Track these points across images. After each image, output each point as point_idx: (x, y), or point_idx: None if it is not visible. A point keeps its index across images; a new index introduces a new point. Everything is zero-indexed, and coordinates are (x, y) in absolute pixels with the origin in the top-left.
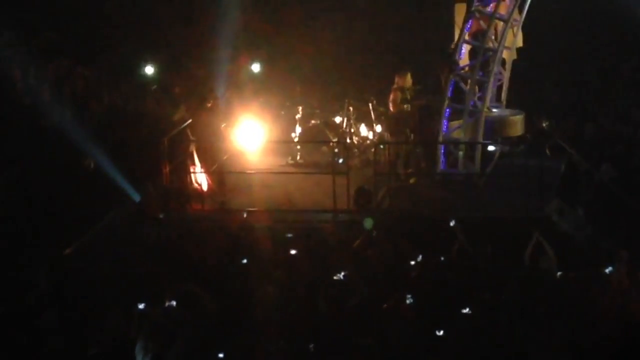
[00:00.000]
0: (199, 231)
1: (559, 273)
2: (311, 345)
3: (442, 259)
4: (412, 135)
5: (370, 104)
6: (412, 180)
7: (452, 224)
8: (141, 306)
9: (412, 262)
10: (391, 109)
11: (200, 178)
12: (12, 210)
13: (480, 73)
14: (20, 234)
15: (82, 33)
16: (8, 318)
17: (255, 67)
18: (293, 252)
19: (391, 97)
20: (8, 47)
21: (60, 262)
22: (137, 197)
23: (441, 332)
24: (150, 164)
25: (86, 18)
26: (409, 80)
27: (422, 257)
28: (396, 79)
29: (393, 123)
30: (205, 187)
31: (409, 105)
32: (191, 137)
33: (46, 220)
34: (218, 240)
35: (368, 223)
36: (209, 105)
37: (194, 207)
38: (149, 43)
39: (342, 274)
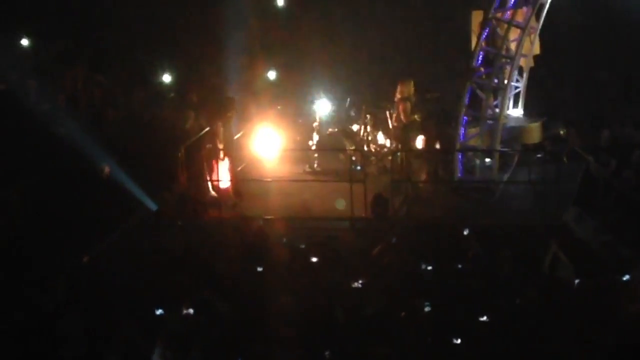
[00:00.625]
0: (216, 239)
1: (576, 281)
2: (327, 353)
3: (460, 266)
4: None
5: (387, 112)
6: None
7: (466, 232)
8: (158, 312)
9: (430, 270)
10: (402, 119)
11: (216, 186)
12: (30, 218)
13: (497, 80)
14: (38, 241)
15: (98, 41)
16: (26, 325)
17: (272, 75)
18: (314, 259)
19: (401, 107)
20: (24, 55)
21: (77, 269)
22: (154, 205)
23: (458, 341)
24: (167, 171)
25: (102, 26)
26: (409, 89)
27: (439, 265)
28: (399, 88)
29: (403, 133)
30: (221, 195)
31: (419, 115)
32: (208, 145)
33: (64, 227)
34: (235, 248)
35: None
36: (230, 115)
37: (211, 214)
38: (166, 50)
39: (360, 282)
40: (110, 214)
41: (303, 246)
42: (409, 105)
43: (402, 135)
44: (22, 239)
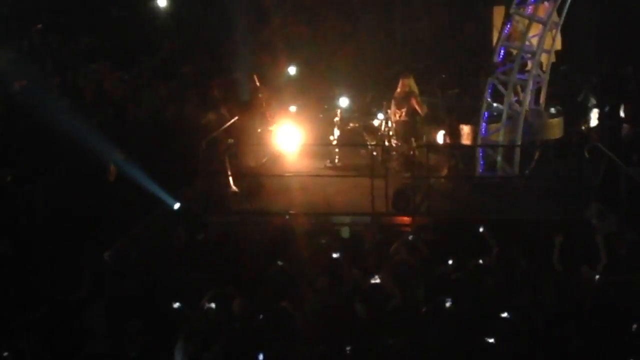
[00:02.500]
0: (238, 234)
1: (596, 277)
2: (348, 348)
3: (481, 262)
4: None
5: (388, 109)
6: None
7: (481, 230)
8: (176, 305)
9: (451, 265)
10: (420, 113)
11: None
12: (53, 214)
13: (519, 76)
14: (60, 237)
15: (121, 37)
16: (50, 320)
17: (292, 70)
18: (335, 255)
19: (414, 101)
20: (47, 52)
21: (100, 265)
22: (175, 201)
23: (492, 340)
24: (189, 167)
25: (125, 22)
26: (413, 84)
27: (460, 260)
28: (402, 83)
29: (402, 129)
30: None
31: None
32: (229, 139)
33: (86, 223)
34: (256, 243)
35: (345, 233)
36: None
37: (233, 209)
38: (189, 46)
39: (378, 278)
40: (131, 210)
41: (324, 241)
42: (417, 100)
43: (402, 131)
44: (45, 234)
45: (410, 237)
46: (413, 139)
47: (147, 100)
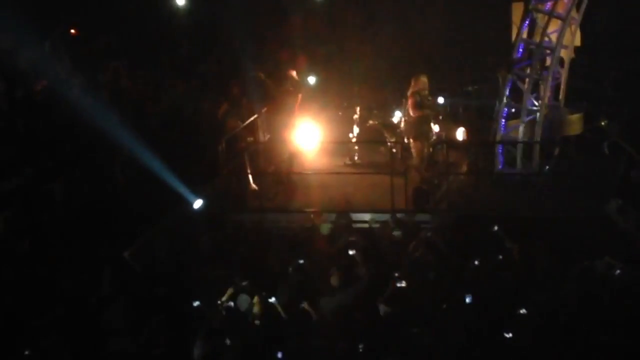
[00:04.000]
0: (258, 232)
1: (617, 271)
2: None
3: (500, 257)
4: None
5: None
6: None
7: (495, 228)
8: (196, 304)
9: (470, 262)
10: (411, 114)
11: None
12: (73, 211)
13: (538, 72)
14: (81, 234)
15: (140, 35)
16: (72, 318)
17: (313, 69)
18: (351, 252)
19: (410, 102)
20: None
21: (121, 263)
22: (195, 199)
23: (509, 335)
24: (209, 165)
25: (144, 20)
26: (425, 82)
27: (480, 257)
28: (412, 83)
29: (412, 128)
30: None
31: (428, 110)
32: (248, 138)
33: (106, 221)
34: (276, 241)
35: (324, 228)
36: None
37: (252, 207)
38: (207, 44)
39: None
40: (151, 208)
41: (344, 239)
42: (414, 100)
43: (409, 130)
44: (66, 233)
45: (429, 234)
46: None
47: (166, 99)
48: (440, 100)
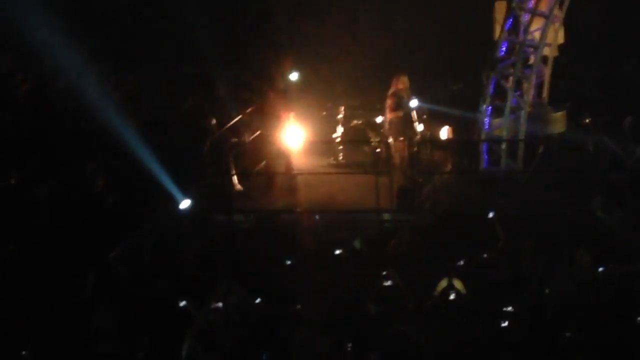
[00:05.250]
0: (244, 232)
1: (600, 269)
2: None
3: (485, 256)
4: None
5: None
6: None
7: (490, 215)
8: (182, 304)
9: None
10: (388, 115)
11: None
12: (59, 214)
13: (521, 70)
14: (66, 237)
15: (123, 36)
16: (56, 322)
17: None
18: (338, 252)
19: (388, 102)
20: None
21: (106, 265)
22: (180, 200)
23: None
24: (194, 166)
25: (127, 22)
26: (406, 82)
27: (464, 255)
28: (393, 82)
29: (392, 128)
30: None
31: (402, 111)
32: (233, 139)
33: (92, 223)
34: (262, 241)
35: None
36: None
37: (238, 208)
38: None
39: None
40: (138, 210)
41: (329, 239)
42: (392, 100)
43: (390, 130)
44: (50, 236)
45: (406, 234)
46: (402, 138)
47: (150, 100)
48: (414, 103)
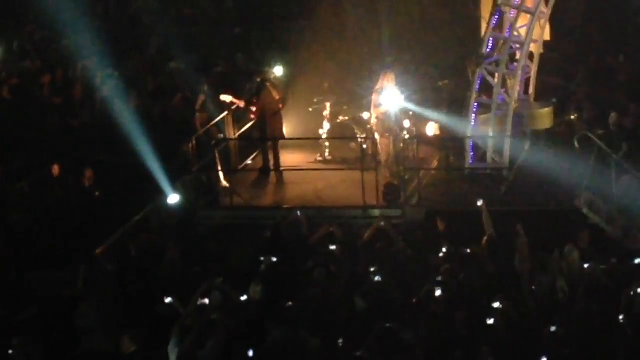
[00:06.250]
0: (230, 229)
1: (586, 265)
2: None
3: (468, 251)
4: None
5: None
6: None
7: (479, 203)
8: (168, 300)
9: (441, 255)
10: (372, 111)
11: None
12: (44, 209)
13: (507, 67)
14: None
15: (109, 35)
16: (44, 317)
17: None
18: (333, 247)
19: (374, 98)
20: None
21: (93, 261)
22: (166, 197)
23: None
24: (180, 162)
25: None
26: (392, 79)
27: (450, 250)
28: (381, 78)
29: (378, 124)
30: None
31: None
32: (219, 135)
33: (78, 219)
34: (248, 237)
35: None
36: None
37: (223, 204)
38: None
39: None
40: (123, 207)
41: (316, 235)
42: (377, 97)
43: (376, 126)
44: (37, 231)
45: (382, 223)
46: (388, 134)
47: (136, 96)
48: (399, 102)
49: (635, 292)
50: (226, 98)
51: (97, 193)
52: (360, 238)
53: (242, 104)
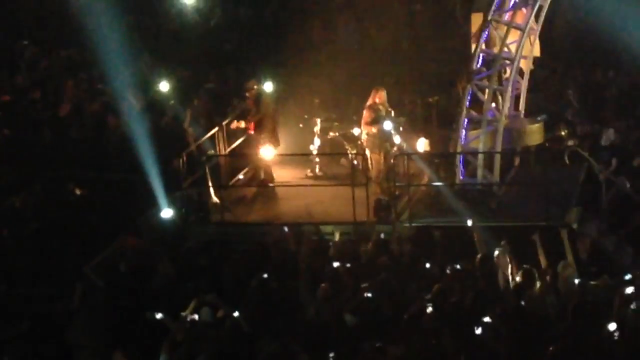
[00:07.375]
0: (220, 245)
1: (576, 280)
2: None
3: (458, 267)
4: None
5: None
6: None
7: (469, 223)
8: (158, 316)
9: (432, 271)
10: (362, 128)
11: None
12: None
13: (497, 83)
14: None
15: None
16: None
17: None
18: (336, 264)
19: (365, 114)
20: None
21: (84, 277)
22: (157, 212)
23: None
24: (171, 178)
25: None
26: (383, 96)
27: (442, 266)
28: (372, 94)
29: (369, 140)
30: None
31: (377, 126)
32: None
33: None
34: (239, 253)
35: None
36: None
37: (214, 220)
38: (165, 58)
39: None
40: (113, 222)
41: (305, 251)
42: (367, 114)
43: (367, 142)
44: (29, 246)
45: (382, 236)
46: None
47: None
48: (388, 125)
49: (628, 308)
50: (238, 125)
51: (87, 209)
52: (360, 254)
53: (250, 125)
